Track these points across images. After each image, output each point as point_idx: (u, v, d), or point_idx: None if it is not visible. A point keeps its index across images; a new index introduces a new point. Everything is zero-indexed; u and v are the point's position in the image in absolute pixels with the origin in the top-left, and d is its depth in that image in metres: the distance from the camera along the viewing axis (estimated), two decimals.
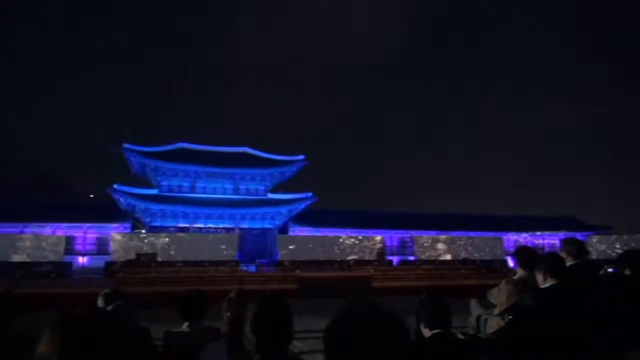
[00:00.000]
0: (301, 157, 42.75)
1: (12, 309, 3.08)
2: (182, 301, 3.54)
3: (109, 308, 3.10)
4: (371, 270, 24.90)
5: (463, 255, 35.25)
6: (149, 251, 27.55)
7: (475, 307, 4.72)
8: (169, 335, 3.49)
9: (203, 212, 38.12)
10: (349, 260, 30.22)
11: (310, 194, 40.94)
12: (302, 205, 40.54)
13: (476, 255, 35.84)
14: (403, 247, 42.56)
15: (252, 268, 29.32)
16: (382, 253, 32.55)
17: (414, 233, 38.88)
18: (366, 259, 32.26)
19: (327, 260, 31.16)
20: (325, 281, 22.70)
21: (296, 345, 9.11)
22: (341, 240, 34.74)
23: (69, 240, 33.39)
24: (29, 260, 27.45)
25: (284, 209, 40.11)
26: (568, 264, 3.88)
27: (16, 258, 27.56)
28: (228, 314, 3.03)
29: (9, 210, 34.97)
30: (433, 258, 34.62)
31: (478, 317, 4.42)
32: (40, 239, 29.83)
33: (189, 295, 3.62)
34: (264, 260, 34.17)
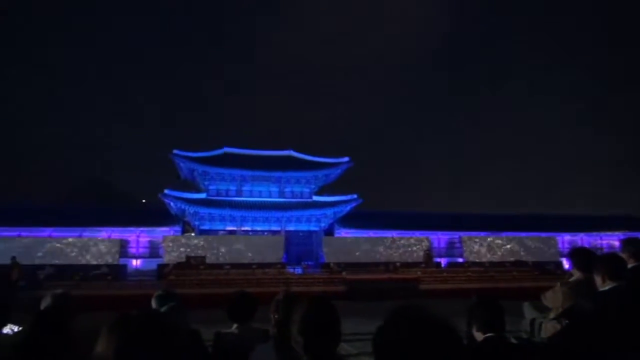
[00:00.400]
0: (346, 159, 42.71)
1: (72, 309, 3.22)
2: (231, 303, 3.60)
3: (163, 309, 3.17)
4: (418, 273, 24.53)
5: (515, 256, 34.18)
6: (199, 254, 28.25)
7: (528, 311, 4.55)
8: (219, 336, 3.56)
9: (250, 215, 38.74)
10: (395, 263, 29.89)
11: (355, 196, 40.82)
12: (348, 207, 40.47)
13: (528, 256, 34.67)
14: (451, 249, 41.72)
15: (299, 270, 29.53)
16: (429, 255, 32.01)
17: (462, 234, 38.07)
18: (413, 261, 31.83)
19: (373, 263, 30.97)
20: (371, 283, 22.59)
21: (344, 348, 9.09)
22: (387, 241, 34.48)
23: (123, 244, 34.75)
24: (86, 263, 28.69)
25: (329, 211, 40.18)
26: (629, 266, 3.67)
27: (74, 261, 28.86)
28: (276, 315, 3.06)
29: (69, 215, 36.81)
30: (482, 260, 33.75)
31: (532, 321, 4.26)
32: (97, 243, 31.18)
33: (237, 297, 3.67)
34: (309, 263, 34.35)
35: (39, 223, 34.13)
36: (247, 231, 37.89)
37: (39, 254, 28.58)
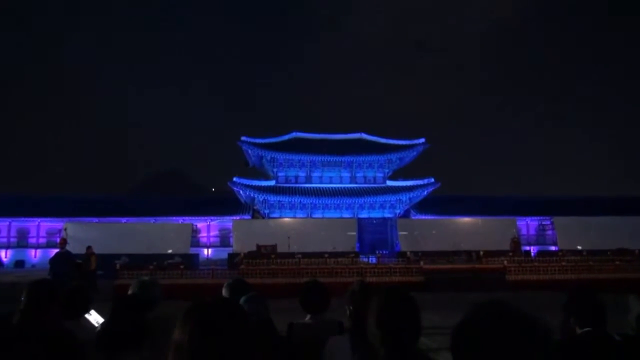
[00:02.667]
0: (421, 140, 41.95)
1: (158, 297, 3.40)
2: (304, 293, 3.65)
3: (242, 300, 3.26)
4: (505, 262, 23.70)
5: (618, 244, 32.05)
6: (270, 242, 28.98)
7: (635, 304, 4.27)
8: (292, 327, 3.63)
9: (320, 203, 39.23)
10: (479, 251, 29.05)
11: (432, 179, 40.08)
12: (424, 192, 39.85)
13: (634, 243, 32.39)
14: (542, 236, 39.96)
15: (373, 259, 29.51)
16: (517, 242, 30.79)
17: (555, 219, 36.23)
18: (498, 249, 30.80)
19: (453, 251, 30.30)
20: (452, 274, 22.20)
21: (423, 342, 9.02)
22: (469, 227, 33.57)
23: (194, 230, 36.46)
24: (160, 252, 30.37)
25: (404, 197, 39.77)
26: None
27: (148, 251, 30.61)
28: (351, 307, 3.08)
29: (140, 206, 39.09)
30: (579, 247, 32.01)
31: (639, 316, 3.99)
32: (166, 228, 32.94)
33: (310, 287, 3.72)
34: (384, 251, 34.23)
35: (112, 213, 36.57)
36: (318, 219, 38.52)
37: (114, 243, 30.56)
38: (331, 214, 39.24)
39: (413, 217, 39.60)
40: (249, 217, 39.66)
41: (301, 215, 39.01)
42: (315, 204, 39.40)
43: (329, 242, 30.34)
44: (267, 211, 39.40)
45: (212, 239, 39.56)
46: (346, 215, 39.16)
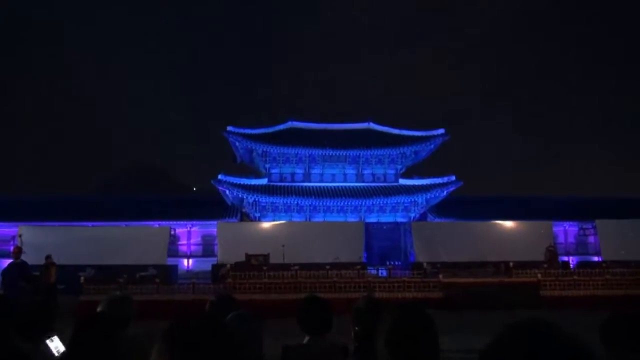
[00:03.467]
0: (440, 131, 41.97)
1: (132, 312, 3.40)
2: (301, 311, 3.65)
3: (228, 319, 3.25)
4: (539, 275, 23.73)
5: None
6: (261, 251, 28.97)
7: None
8: (288, 350, 3.63)
9: (321, 205, 39.26)
10: (508, 262, 29.06)
11: (453, 177, 40.09)
12: (444, 193, 39.87)
13: None
14: (582, 244, 39.95)
15: (383, 272, 29.56)
16: (553, 251, 30.76)
17: (597, 223, 36.12)
18: (531, 259, 30.79)
19: (478, 262, 30.32)
20: (476, 289, 22.24)
21: None
22: (496, 233, 33.56)
23: (173, 241, 36.43)
24: (131, 263, 30.35)
25: (420, 198, 39.81)
26: None
27: (117, 261, 30.60)
28: (357, 327, 3.09)
29: (107, 208, 39.04)
30: (628, 258, 31.97)
31: None
32: (140, 233, 32.98)
33: (308, 304, 3.72)
34: (396, 262, 34.27)
35: (76, 216, 36.43)
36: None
37: (77, 252, 30.44)
38: (334, 219, 39.25)
39: (430, 222, 39.66)
40: (237, 221, 39.70)
41: (299, 220, 39.06)
42: (315, 206, 39.43)
43: (331, 251, 30.35)
44: (258, 215, 39.43)
45: (193, 248, 39.57)
46: (351, 219, 39.19)
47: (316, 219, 39.24)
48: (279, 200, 39.15)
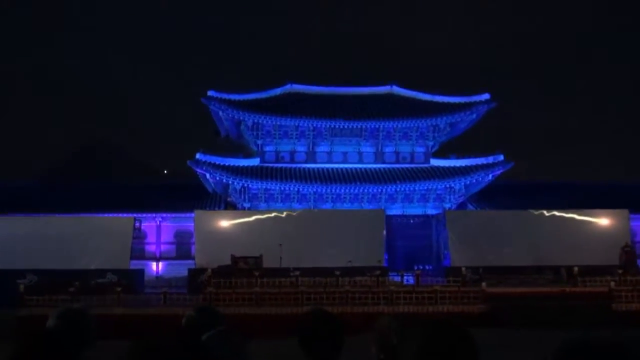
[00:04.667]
0: (485, 96, 41.70)
1: (92, 330, 3.38)
2: (305, 330, 3.62)
3: (206, 337, 3.22)
4: (612, 283, 23.68)
5: None
6: (251, 252, 28.97)
7: None
8: None
9: (329, 192, 39.22)
10: (572, 267, 28.98)
11: (501, 157, 39.93)
12: (489, 177, 39.74)
13: None
14: None
15: (409, 279, 29.53)
16: (631, 252, 30.68)
17: None
18: (602, 263, 30.70)
19: (533, 267, 30.28)
20: (530, 301, 22.22)
21: None
22: (556, 227, 33.27)
23: (138, 239, 36.31)
24: (84, 268, 30.34)
25: (458, 183, 39.72)
26: None
27: (66, 265, 30.53)
28: (382, 356, 3.07)
29: (59, 196, 39.01)
30: None
31: None
32: (93, 227, 32.92)
33: (313, 321, 3.68)
34: (427, 267, 34.23)
35: (14, 208, 36.07)
36: None
37: (15, 254, 30.25)
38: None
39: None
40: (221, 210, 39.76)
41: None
42: (322, 194, 39.40)
43: (342, 251, 30.33)
44: (247, 205, 39.42)
45: (164, 248, 39.65)
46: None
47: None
48: (275, 187, 39.12)
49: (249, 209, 39.17)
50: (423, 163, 41.53)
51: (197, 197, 40.40)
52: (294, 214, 35.21)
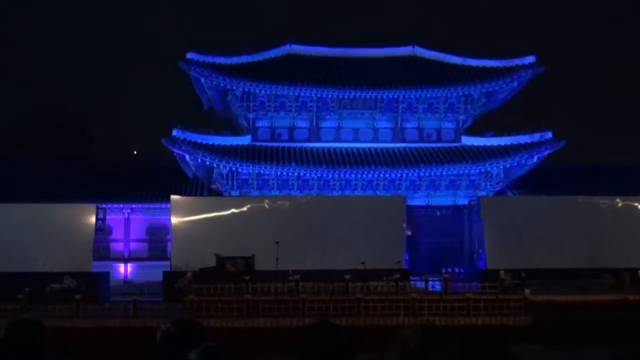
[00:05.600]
0: (529, 59, 41.60)
1: (45, 348, 3.37)
2: (307, 346, 3.57)
3: (190, 356, 3.20)
4: None
5: None
6: (240, 252, 28.96)
7: None
8: None
9: (336, 177, 39.24)
10: (638, 270, 28.95)
11: (549, 134, 39.83)
12: (534, 159, 39.72)
13: None
14: None
15: (436, 284, 29.53)
16: None
17: None
18: None
19: (588, 269, 30.20)
20: (585, 311, 22.16)
21: None
22: (622, 217, 33.08)
23: (102, 235, 36.26)
24: (36, 269, 30.34)
25: (496, 166, 39.70)
26: None
27: (14, 265, 30.49)
28: None
29: (2, 182, 38.95)
30: None
31: None
32: (53, 226, 32.62)
33: (317, 335, 3.64)
34: (457, 269, 34.25)
35: None
36: None
37: None
38: None
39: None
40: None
41: None
42: (327, 180, 39.40)
43: (352, 250, 30.36)
44: (235, 194, 39.39)
45: (134, 246, 39.76)
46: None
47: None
48: (270, 171, 39.13)
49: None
50: (453, 142, 41.55)
51: (174, 184, 40.39)
52: (294, 201, 35.02)
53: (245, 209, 33.89)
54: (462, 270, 34.54)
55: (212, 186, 40.56)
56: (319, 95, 40.79)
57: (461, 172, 39.83)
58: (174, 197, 34.27)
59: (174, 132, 38.52)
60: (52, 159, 54.94)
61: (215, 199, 38.05)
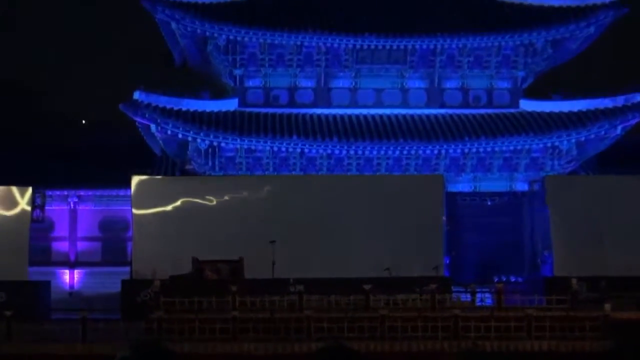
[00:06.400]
0: None
1: None
2: None
3: None
4: None
5: None
6: (225, 254, 28.90)
7: None
8: None
9: (352, 155, 39.16)
10: None
11: (637, 97, 39.59)
12: (617, 130, 39.55)
13: None
14: None
15: (484, 297, 29.46)
16: None
17: None
18: None
19: None
20: None
21: None
22: None
23: (41, 233, 36.22)
24: None
25: (566, 140, 39.54)
26: None
27: None
28: None
29: None
30: None
31: None
32: None
33: None
34: (514, 278, 34.24)
35: None
36: None
37: None
38: None
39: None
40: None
41: None
42: (340, 158, 39.29)
43: (374, 252, 30.27)
44: (219, 173, 39.26)
45: (83, 246, 39.75)
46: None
47: None
48: (263, 146, 39.01)
49: None
50: (508, 107, 41.54)
51: (137, 163, 40.10)
52: (297, 182, 34.58)
53: (232, 194, 33.46)
54: (520, 279, 34.53)
55: (187, 167, 40.26)
56: (329, 44, 40.72)
57: (519, 147, 39.65)
58: (136, 177, 33.80)
59: (136, 95, 38.36)
60: None
61: (192, 180, 37.80)
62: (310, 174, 37.75)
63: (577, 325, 22.97)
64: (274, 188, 33.65)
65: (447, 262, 32.61)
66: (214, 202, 33.14)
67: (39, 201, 34.07)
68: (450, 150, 39.19)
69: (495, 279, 31.90)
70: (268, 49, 41.01)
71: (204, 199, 33.19)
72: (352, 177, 38.06)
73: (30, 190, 32.99)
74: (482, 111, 41.03)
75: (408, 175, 38.57)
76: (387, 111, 41.12)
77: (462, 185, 39.64)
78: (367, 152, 38.98)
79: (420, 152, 39.09)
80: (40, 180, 37.66)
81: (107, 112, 46.45)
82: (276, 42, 40.67)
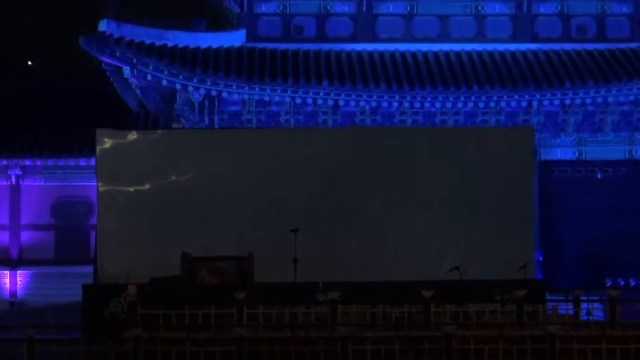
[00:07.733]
0: None
1: None
2: None
3: None
4: None
5: None
6: (225, 248, 28.91)
7: None
8: None
9: (405, 109, 39.12)
10: None
11: None
12: None
13: None
14: None
15: (593, 308, 29.36)
16: None
17: None
18: None
19: None
20: None
21: None
22: None
23: None
24: None
25: None
26: None
27: None
28: None
29: None
30: None
31: None
32: None
33: None
34: (635, 282, 34.16)
35: None
36: None
37: None
38: None
39: None
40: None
41: None
42: (389, 112, 39.35)
43: (435, 242, 30.14)
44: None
45: (28, 237, 40.02)
46: None
47: None
48: (281, 96, 38.94)
49: None
50: (628, 41, 41.33)
51: (104, 123, 40.07)
52: (328, 137, 33.14)
53: (241, 158, 32.04)
54: None
55: (174, 126, 40.19)
56: None
57: None
58: (103, 133, 32.11)
59: (102, 25, 38.24)
60: None
61: (183, 134, 36.33)
62: (347, 127, 36.99)
63: None
64: (301, 149, 31.92)
65: (540, 259, 32.53)
66: (217, 171, 31.94)
67: None
68: (545, 102, 38.99)
69: (608, 283, 31.83)
70: None
71: (201, 165, 31.93)
72: (407, 129, 37.52)
73: None
74: (591, 46, 40.86)
75: (479, 127, 38.03)
76: (457, 47, 41.02)
77: (561, 151, 39.50)
78: (427, 105, 38.86)
79: (503, 104, 38.89)
80: None
81: (64, 50, 46.34)
82: None
